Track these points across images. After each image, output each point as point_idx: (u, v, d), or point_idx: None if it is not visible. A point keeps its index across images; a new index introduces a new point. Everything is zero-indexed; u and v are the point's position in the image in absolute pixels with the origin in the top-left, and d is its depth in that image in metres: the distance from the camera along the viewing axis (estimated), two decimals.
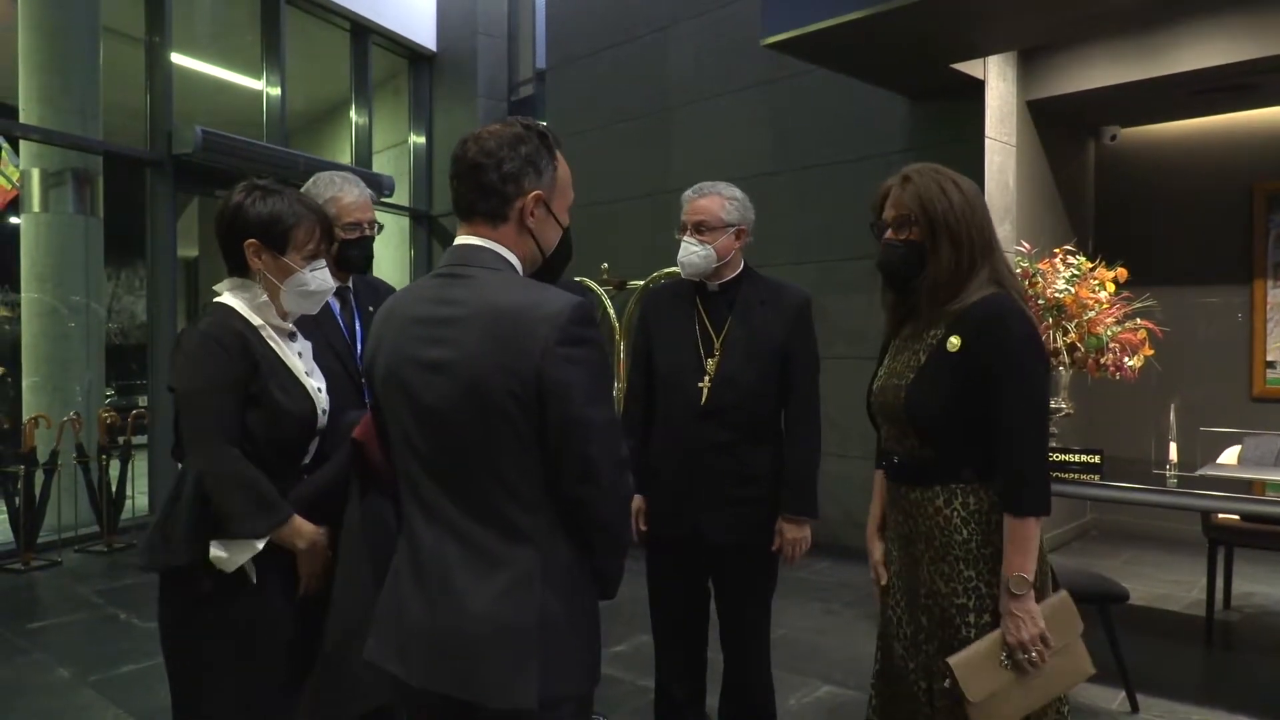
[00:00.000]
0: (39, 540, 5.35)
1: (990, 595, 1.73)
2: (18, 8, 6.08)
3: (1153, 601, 4.55)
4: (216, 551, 1.71)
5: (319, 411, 1.86)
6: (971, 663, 1.68)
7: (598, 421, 1.36)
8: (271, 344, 1.82)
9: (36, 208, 6.13)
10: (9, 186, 6.52)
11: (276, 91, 7.47)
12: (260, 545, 1.73)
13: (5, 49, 6.26)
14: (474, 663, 1.35)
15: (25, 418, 5.55)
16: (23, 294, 6.19)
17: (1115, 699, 3.28)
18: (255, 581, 1.76)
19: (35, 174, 6.13)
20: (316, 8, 7.88)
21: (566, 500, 1.39)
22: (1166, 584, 4.85)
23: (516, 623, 1.35)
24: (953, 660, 1.70)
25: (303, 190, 2.31)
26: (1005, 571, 1.68)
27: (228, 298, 1.82)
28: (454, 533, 1.39)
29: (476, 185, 1.42)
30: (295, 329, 1.91)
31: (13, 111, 6.21)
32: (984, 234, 1.77)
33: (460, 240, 1.45)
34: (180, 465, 1.81)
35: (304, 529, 1.78)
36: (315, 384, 1.88)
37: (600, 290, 6.28)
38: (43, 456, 5.35)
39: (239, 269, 1.84)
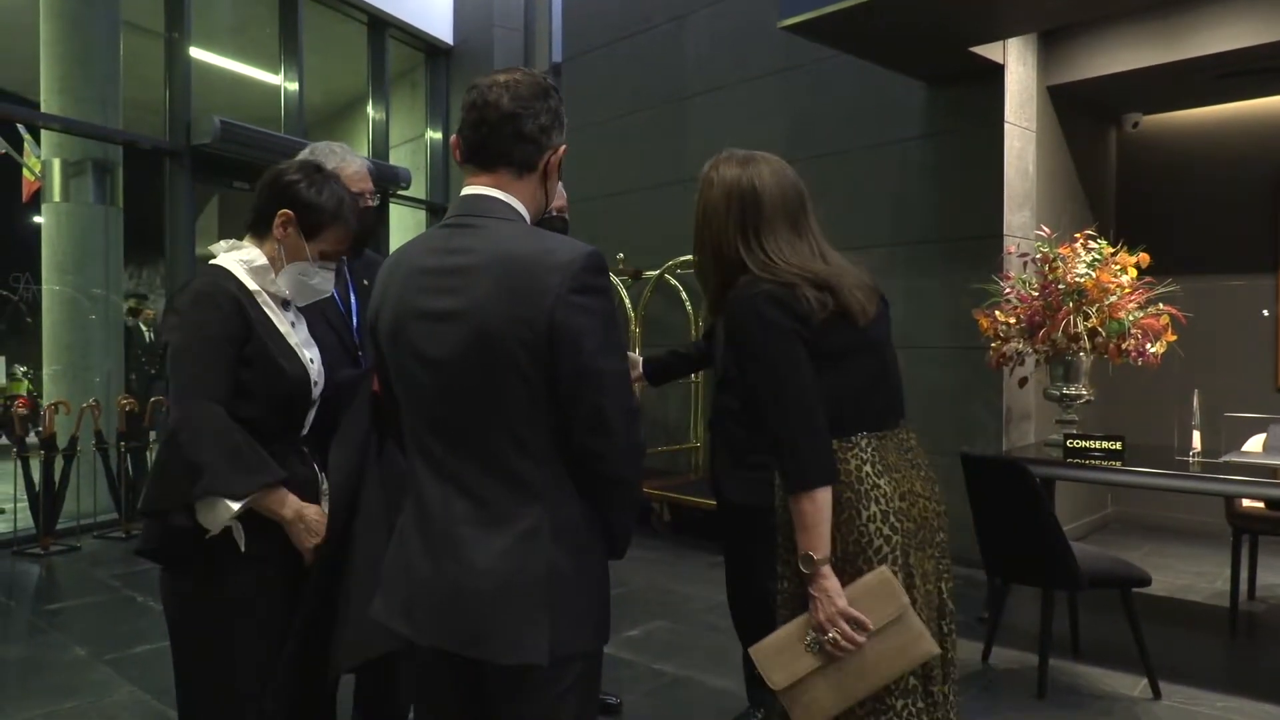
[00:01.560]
0: (59, 526, 5.40)
1: (787, 562, 1.67)
2: (39, 0, 6.14)
3: (1175, 592, 4.48)
4: (200, 515, 1.66)
5: (313, 381, 1.83)
6: (771, 647, 1.61)
7: (609, 371, 1.34)
8: (266, 309, 1.79)
9: (57, 197, 6.19)
10: (32, 178, 6.60)
11: (294, 86, 7.50)
12: (236, 507, 1.64)
13: (28, 40, 6.33)
14: (481, 620, 1.33)
15: (45, 404, 5.60)
16: (44, 283, 6.24)
17: (1137, 685, 3.22)
18: (244, 550, 1.69)
19: (56, 164, 6.18)
20: (334, 1, 7.91)
21: (578, 452, 1.36)
22: (1189, 575, 4.78)
23: (525, 579, 1.33)
24: (753, 648, 1.64)
25: (298, 157, 2.30)
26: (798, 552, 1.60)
27: (223, 259, 1.80)
28: (461, 488, 1.37)
29: (516, 133, 1.40)
30: (288, 299, 1.86)
31: (35, 103, 6.27)
32: (719, 232, 1.69)
33: (471, 190, 1.43)
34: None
35: (289, 500, 1.72)
36: (309, 354, 1.85)
37: (616, 280, 6.26)
38: (62, 443, 5.39)
39: (255, 229, 1.82)
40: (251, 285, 1.77)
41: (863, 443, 1.66)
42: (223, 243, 1.83)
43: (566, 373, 1.32)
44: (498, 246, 1.35)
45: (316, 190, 1.79)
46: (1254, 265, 5.48)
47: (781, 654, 1.60)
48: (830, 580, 1.57)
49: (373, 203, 2.30)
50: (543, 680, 1.35)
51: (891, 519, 1.62)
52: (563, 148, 1.47)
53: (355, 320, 2.24)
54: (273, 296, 1.81)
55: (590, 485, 1.39)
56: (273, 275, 1.81)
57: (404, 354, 1.40)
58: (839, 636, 1.54)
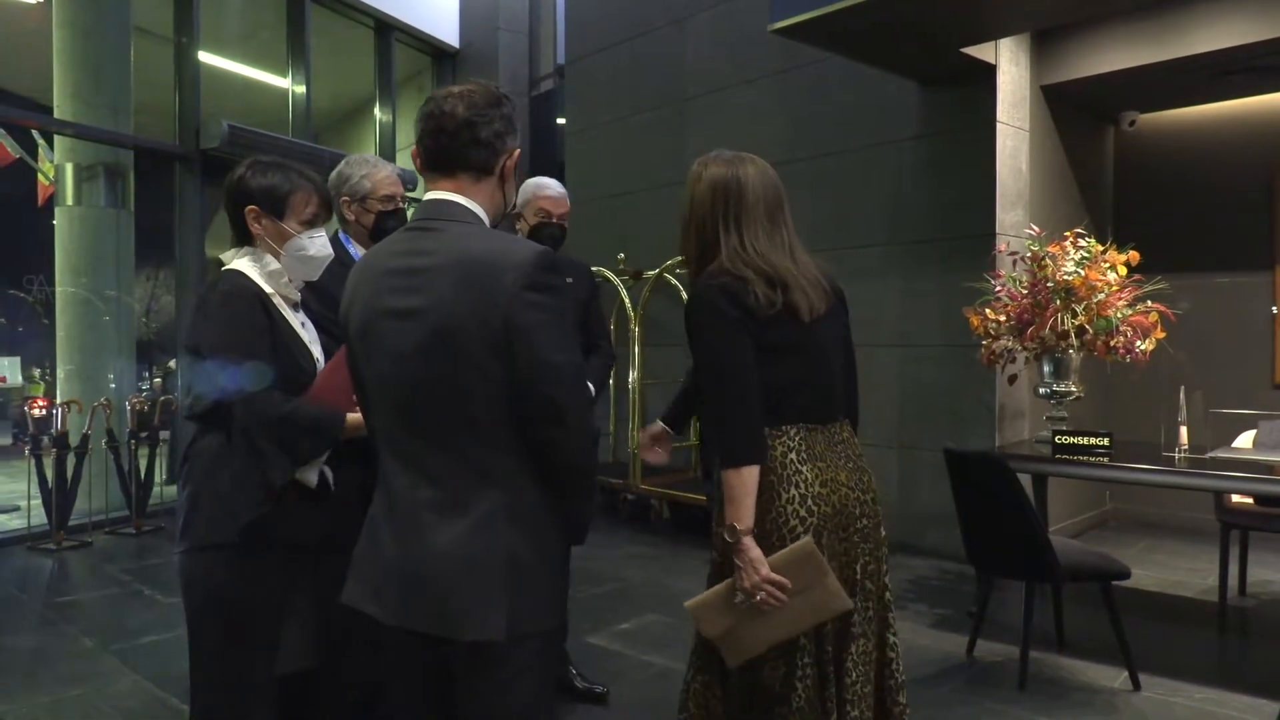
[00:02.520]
0: (71, 522, 5.52)
1: (719, 535, 1.83)
2: (53, 8, 6.28)
3: (1166, 588, 4.51)
4: (303, 475, 1.84)
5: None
6: (704, 604, 1.83)
7: (563, 364, 1.42)
8: (282, 310, 1.91)
9: (70, 201, 6.33)
10: (46, 182, 6.74)
11: (302, 89, 7.63)
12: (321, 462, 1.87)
13: (43, 48, 6.47)
14: (443, 598, 1.42)
15: (58, 403, 5.73)
16: (57, 285, 6.38)
17: (1118, 678, 3.26)
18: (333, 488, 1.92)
19: (69, 169, 6.33)
20: (341, 6, 8.03)
21: (534, 441, 1.44)
22: (1182, 571, 4.80)
23: (483, 559, 1.41)
24: (688, 603, 1.85)
25: (337, 170, 2.45)
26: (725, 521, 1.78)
27: (238, 264, 1.90)
28: (425, 476, 1.45)
29: (472, 140, 1.49)
30: (299, 300, 1.99)
31: (48, 109, 6.41)
32: (703, 223, 1.86)
33: (433, 195, 1.51)
34: (196, 429, 1.87)
35: (354, 421, 1.83)
36: (317, 352, 1.97)
37: (617, 280, 6.33)
38: (74, 441, 5.51)
39: (245, 238, 1.93)
40: (267, 288, 1.88)
41: (791, 431, 1.83)
42: (233, 250, 1.94)
43: (521, 365, 1.39)
44: (456, 247, 1.43)
45: (263, 174, 1.91)
46: (1251, 262, 5.49)
47: (710, 610, 1.82)
48: (754, 551, 1.75)
49: (403, 205, 2.46)
50: (501, 656, 1.42)
51: (809, 502, 1.80)
52: (517, 151, 1.56)
53: None
54: (285, 299, 1.93)
55: (548, 473, 1.47)
56: (286, 279, 1.92)
57: (373, 350, 1.49)
58: (765, 598, 1.74)
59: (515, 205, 3.07)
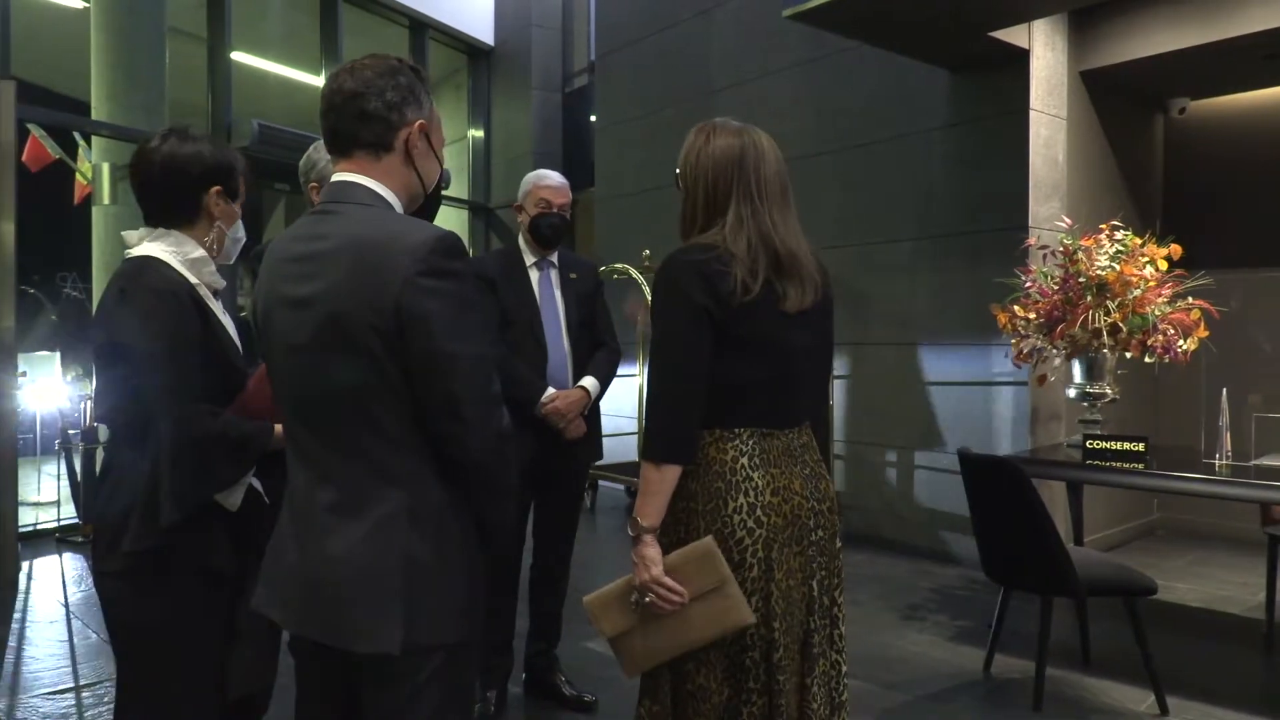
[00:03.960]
0: None
1: (669, 535, 1.70)
2: (90, 11, 6.41)
3: (1213, 603, 4.22)
4: (227, 499, 1.68)
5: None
6: (601, 600, 1.74)
7: (461, 355, 1.31)
8: (208, 303, 1.74)
9: (106, 200, 6.44)
10: (84, 182, 6.88)
11: None
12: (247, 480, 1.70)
13: (82, 50, 6.61)
14: (338, 607, 1.32)
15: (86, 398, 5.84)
16: (94, 283, 6.51)
17: (1144, 700, 3.04)
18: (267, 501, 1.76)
19: (105, 168, 6.43)
20: (375, 5, 8.07)
21: (435, 439, 1.34)
22: (1232, 586, 4.50)
23: (379, 566, 1.31)
24: (586, 598, 1.76)
25: (307, 154, 2.31)
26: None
27: (150, 248, 1.71)
28: (323, 475, 1.36)
29: (358, 113, 1.38)
30: (221, 289, 1.82)
31: (87, 109, 6.55)
32: (714, 188, 1.69)
33: (336, 177, 1.41)
34: (112, 442, 1.74)
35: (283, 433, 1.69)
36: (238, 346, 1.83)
37: (640, 277, 6.22)
38: (102, 435, 5.60)
39: (186, 221, 1.76)
40: (191, 278, 1.71)
41: (744, 435, 1.67)
42: (140, 230, 1.76)
43: (416, 357, 1.29)
44: (351, 231, 1.33)
45: (212, 150, 1.76)
46: None
47: (609, 607, 1.72)
48: (650, 549, 1.64)
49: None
50: (399, 670, 1.32)
51: (758, 512, 1.64)
52: (419, 123, 1.42)
53: None
54: (209, 288, 1.76)
55: (451, 473, 1.36)
56: (211, 266, 1.77)
57: (272, 342, 1.40)
58: (655, 599, 1.63)
59: (517, 199, 2.99)
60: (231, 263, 1.90)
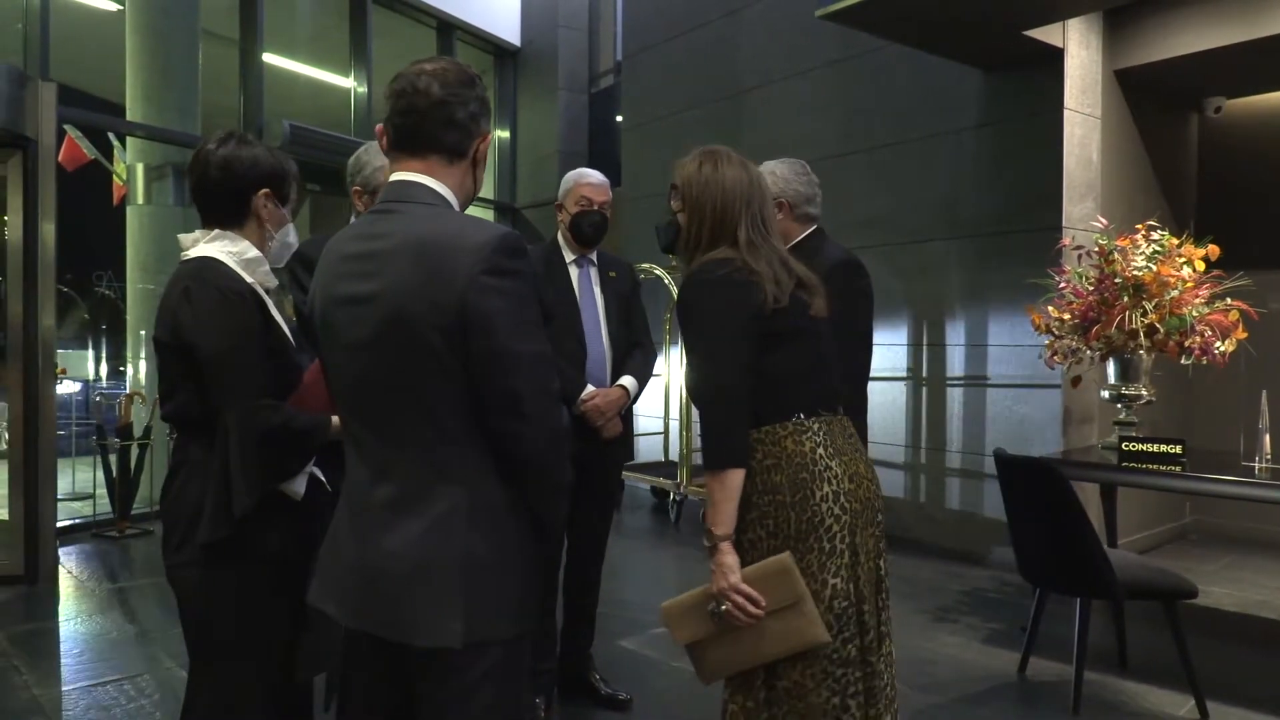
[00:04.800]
0: (134, 511, 5.69)
1: (759, 529, 1.75)
2: (125, 14, 6.50)
3: (1249, 608, 4.18)
4: (291, 488, 1.73)
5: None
6: (677, 608, 1.77)
7: (523, 353, 1.32)
8: (267, 302, 1.78)
9: (140, 200, 6.53)
10: (120, 182, 6.98)
11: (364, 89, 7.73)
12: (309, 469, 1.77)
13: (117, 53, 6.70)
14: (397, 602, 1.34)
15: (120, 396, 5.91)
16: (128, 282, 6.61)
17: (1183, 705, 3.01)
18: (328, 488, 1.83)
19: (139, 168, 6.53)
20: (403, 6, 8.13)
21: (494, 434, 1.35)
22: (1269, 590, 4.45)
23: (438, 561, 1.33)
24: (664, 605, 1.79)
25: (356, 155, 2.37)
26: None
27: (208, 249, 1.75)
28: (383, 473, 1.38)
29: (447, 120, 1.41)
30: (275, 287, 1.86)
31: (120, 110, 6.64)
32: (728, 210, 1.80)
33: (398, 176, 1.43)
34: (180, 437, 1.78)
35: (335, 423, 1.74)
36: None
37: (668, 278, 6.22)
38: (138, 433, 5.68)
39: (234, 222, 1.80)
40: (247, 279, 1.75)
41: (814, 426, 1.76)
42: (196, 233, 1.80)
43: (479, 354, 1.31)
44: (413, 229, 1.35)
45: (267, 154, 1.81)
46: None
47: (685, 615, 1.75)
48: (729, 556, 1.69)
49: None
50: (457, 665, 1.34)
51: (842, 499, 1.73)
52: (489, 136, 1.48)
53: None
54: (264, 288, 1.80)
55: (510, 470, 1.37)
56: (264, 267, 1.81)
57: (331, 341, 1.42)
58: (732, 608, 1.67)
59: (557, 198, 3.00)
60: (281, 266, 1.93)
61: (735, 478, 1.68)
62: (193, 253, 1.77)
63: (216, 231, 1.78)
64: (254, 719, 1.75)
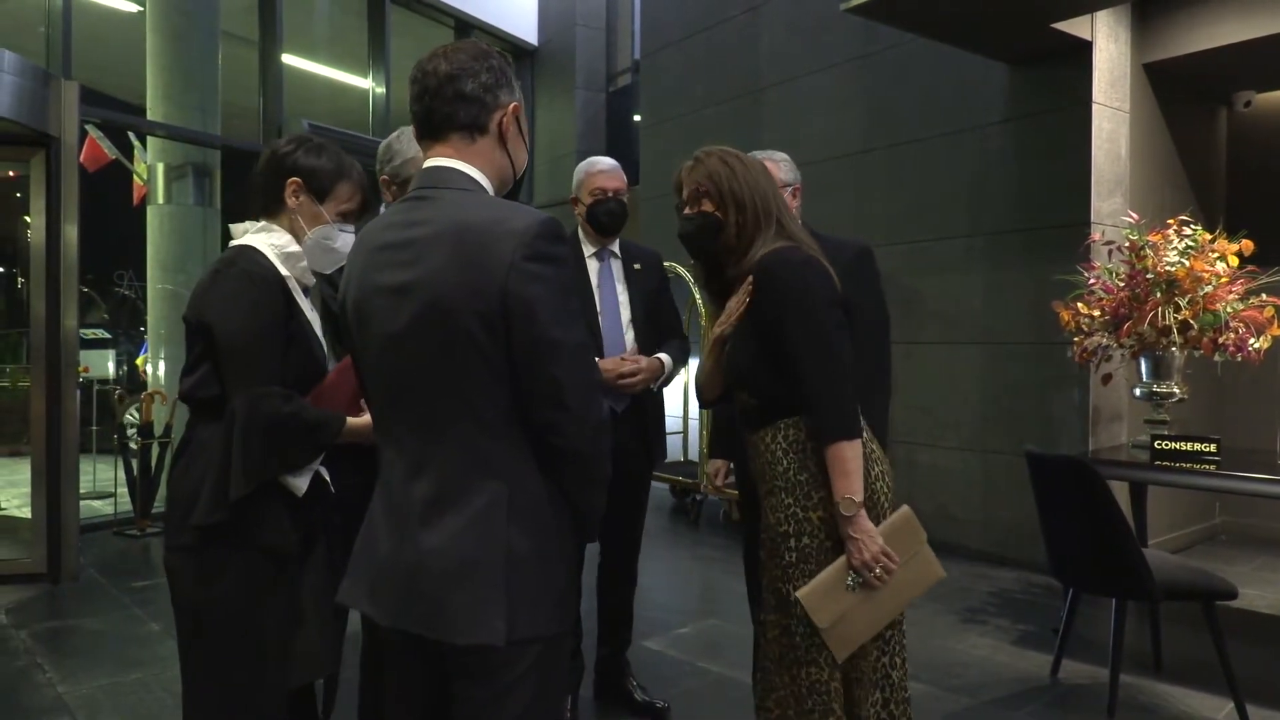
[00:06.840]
0: (154, 510, 5.70)
1: (806, 520, 1.79)
2: (146, 15, 6.52)
3: None
4: (293, 482, 1.70)
5: (327, 369, 1.84)
6: (817, 591, 1.75)
7: (565, 342, 1.29)
8: (297, 296, 1.78)
9: (160, 199, 6.56)
10: (141, 182, 7.01)
11: (382, 89, 7.74)
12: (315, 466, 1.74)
13: (138, 53, 6.72)
14: (438, 600, 1.30)
15: (142, 395, 5.92)
16: (148, 281, 6.63)
17: (1222, 709, 2.95)
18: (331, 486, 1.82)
19: (160, 168, 6.56)
20: (421, 6, 8.13)
21: (535, 426, 1.32)
22: None
23: (479, 558, 1.29)
24: (800, 593, 1.76)
25: (387, 142, 2.33)
26: (835, 498, 1.74)
27: (253, 239, 1.76)
28: (420, 467, 1.34)
29: (455, 94, 1.37)
30: (310, 285, 1.86)
31: (140, 111, 6.66)
32: (766, 199, 1.87)
33: (430, 163, 1.40)
34: (191, 420, 1.77)
35: (355, 425, 1.74)
36: (324, 342, 1.86)
37: (688, 276, 6.18)
38: (158, 431, 5.69)
39: (268, 210, 1.81)
40: (283, 270, 1.75)
41: (860, 410, 1.83)
42: (247, 224, 1.82)
43: (521, 343, 1.27)
44: (452, 216, 1.31)
45: (315, 154, 1.80)
46: None
47: (826, 596, 1.75)
48: (867, 523, 1.75)
49: None
50: (499, 662, 1.30)
51: (886, 479, 1.86)
52: (513, 105, 1.41)
53: None
54: (299, 283, 1.80)
55: (550, 461, 1.34)
56: (303, 262, 1.80)
57: (365, 332, 1.38)
58: (882, 572, 1.73)
59: (572, 191, 2.95)
60: (328, 274, 1.90)
61: (859, 446, 1.75)
62: (237, 241, 1.80)
63: (263, 223, 1.81)
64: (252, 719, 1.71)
